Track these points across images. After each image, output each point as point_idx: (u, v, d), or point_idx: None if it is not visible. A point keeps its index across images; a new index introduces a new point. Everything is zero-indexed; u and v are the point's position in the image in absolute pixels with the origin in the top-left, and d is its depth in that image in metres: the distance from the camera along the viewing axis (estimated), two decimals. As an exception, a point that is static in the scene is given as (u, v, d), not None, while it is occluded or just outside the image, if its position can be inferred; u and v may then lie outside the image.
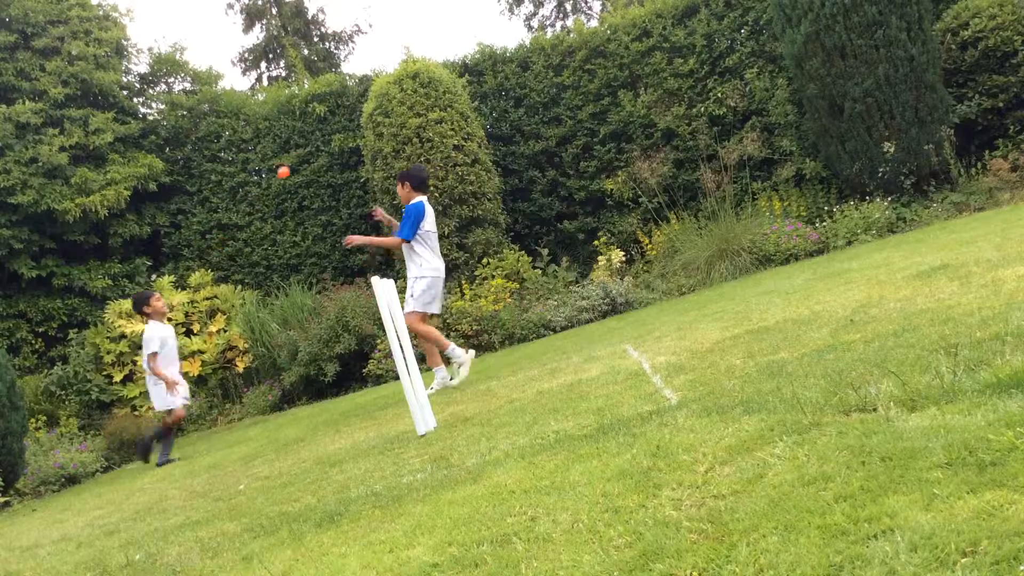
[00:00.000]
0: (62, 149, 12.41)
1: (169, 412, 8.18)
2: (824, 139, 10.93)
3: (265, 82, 27.20)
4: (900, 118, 10.13)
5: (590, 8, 29.72)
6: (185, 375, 12.04)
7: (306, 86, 14.38)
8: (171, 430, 8.27)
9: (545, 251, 12.17)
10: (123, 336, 11.98)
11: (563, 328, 10.34)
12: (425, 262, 7.03)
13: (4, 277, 12.53)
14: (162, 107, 14.52)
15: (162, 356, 8.09)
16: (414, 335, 6.93)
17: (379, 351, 10.39)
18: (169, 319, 8.33)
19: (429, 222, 7.07)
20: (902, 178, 10.29)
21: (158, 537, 4.16)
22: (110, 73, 13.20)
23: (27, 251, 12.31)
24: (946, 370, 2.78)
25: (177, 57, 14.61)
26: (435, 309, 7.16)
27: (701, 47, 12.42)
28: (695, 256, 10.79)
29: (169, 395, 8.10)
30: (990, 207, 9.65)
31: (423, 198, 7.10)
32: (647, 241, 12.07)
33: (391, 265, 13.01)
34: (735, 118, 12.27)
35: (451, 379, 7.12)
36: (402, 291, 7.73)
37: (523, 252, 12.07)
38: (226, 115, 14.03)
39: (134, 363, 11.99)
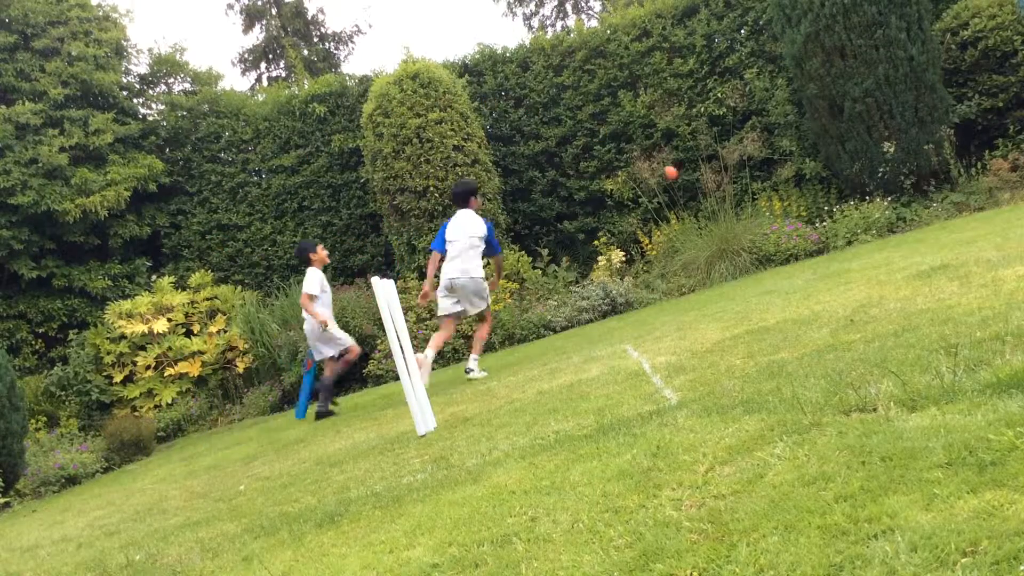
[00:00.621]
0: (62, 150, 12.41)
1: (332, 358, 8.18)
2: (824, 139, 10.93)
3: (265, 82, 27.20)
4: (900, 118, 10.13)
5: (590, 8, 29.75)
6: (185, 375, 12.08)
7: (306, 86, 14.40)
8: (336, 374, 8.30)
9: (545, 251, 12.17)
10: (123, 337, 11.98)
11: (563, 328, 10.34)
12: (443, 267, 7.46)
13: (4, 278, 12.53)
14: (162, 108, 14.53)
15: (321, 301, 8.13)
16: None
17: (379, 351, 10.39)
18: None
19: (452, 232, 7.48)
20: (902, 178, 10.29)
21: (158, 538, 4.16)
22: (110, 74, 13.20)
23: (27, 252, 12.31)
24: (946, 370, 2.77)
25: (177, 58, 14.61)
26: (442, 311, 7.52)
27: (701, 47, 12.42)
28: (695, 256, 10.79)
29: (328, 340, 8.08)
30: (990, 207, 9.65)
31: (461, 210, 7.59)
32: (647, 241, 12.07)
33: (391, 265, 13.01)
34: (735, 118, 12.27)
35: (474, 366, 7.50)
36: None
37: (523, 252, 12.07)
38: (226, 116, 14.03)
39: (134, 364, 11.99)
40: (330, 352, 8.16)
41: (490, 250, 7.61)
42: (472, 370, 7.39)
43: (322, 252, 8.42)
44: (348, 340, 8.25)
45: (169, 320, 12.18)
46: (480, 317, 7.68)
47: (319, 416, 7.86)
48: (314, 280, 8.07)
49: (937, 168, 10.35)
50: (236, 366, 12.22)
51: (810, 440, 2.50)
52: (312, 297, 7.98)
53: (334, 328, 8.15)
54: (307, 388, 8.48)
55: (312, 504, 3.85)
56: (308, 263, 8.31)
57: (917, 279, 5.12)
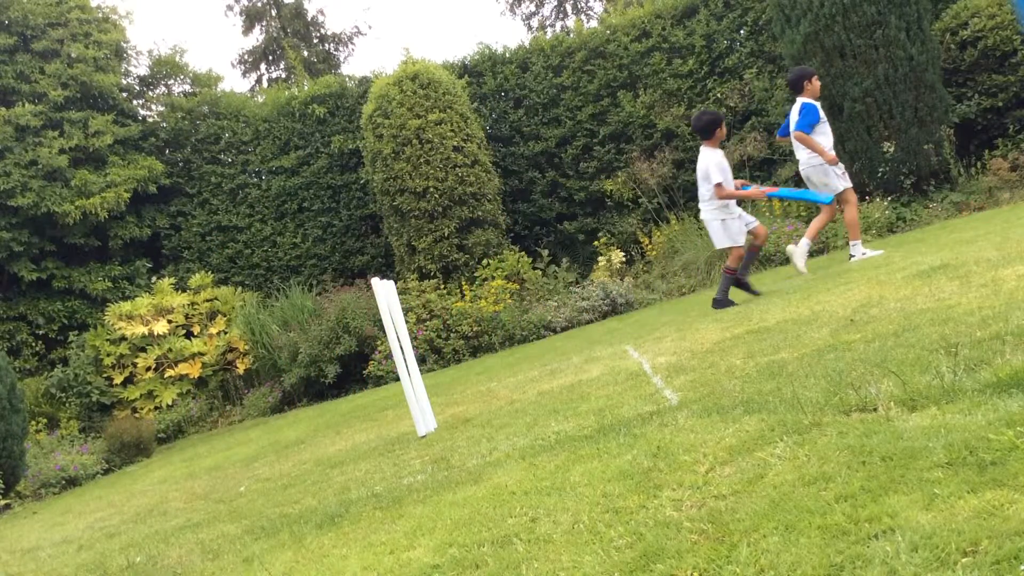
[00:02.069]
0: (62, 151, 12.41)
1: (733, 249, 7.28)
2: (824, 139, 10.92)
3: (265, 84, 27.20)
4: (900, 118, 10.13)
5: (590, 8, 29.76)
6: (185, 377, 12.08)
7: (306, 88, 14.40)
8: (754, 255, 7.52)
9: (545, 252, 12.17)
10: (123, 338, 11.98)
11: (563, 329, 10.34)
12: None
13: (4, 279, 12.54)
14: (162, 109, 14.53)
15: (726, 182, 7.10)
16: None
17: (379, 352, 10.39)
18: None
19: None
20: (902, 178, 10.28)
21: (159, 539, 4.16)
22: (110, 75, 13.21)
23: (27, 253, 12.31)
24: (946, 370, 2.77)
25: (177, 59, 14.61)
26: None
27: (700, 47, 12.42)
28: (695, 256, 10.79)
29: (733, 230, 7.20)
30: (990, 206, 9.65)
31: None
32: (647, 241, 12.07)
33: (391, 266, 13.01)
34: (735, 118, 12.26)
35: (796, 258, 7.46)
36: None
37: (523, 253, 12.08)
38: (226, 117, 14.03)
39: (134, 365, 11.99)
40: (722, 243, 7.28)
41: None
42: (853, 256, 7.40)
43: (816, 83, 7.61)
44: (748, 228, 7.28)
45: (169, 321, 12.18)
46: (838, 199, 7.49)
47: (716, 304, 7.02)
48: (718, 165, 7.08)
49: (937, 168, 10.35)
50: (236, 367, 12.23)
51: (810, 440, 2.50)
52: (719, 185, 7.02)
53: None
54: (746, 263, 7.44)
55: (313, 505, 3.85)
56: (801, 91, 7.54)
57: (917, 279, 5.12)
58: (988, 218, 8.40)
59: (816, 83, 7.57)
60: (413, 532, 2.81)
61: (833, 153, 7.48)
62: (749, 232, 7.32)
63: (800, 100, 7.53)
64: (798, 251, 7.53)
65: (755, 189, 7.45)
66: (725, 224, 7.18)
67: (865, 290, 5.31)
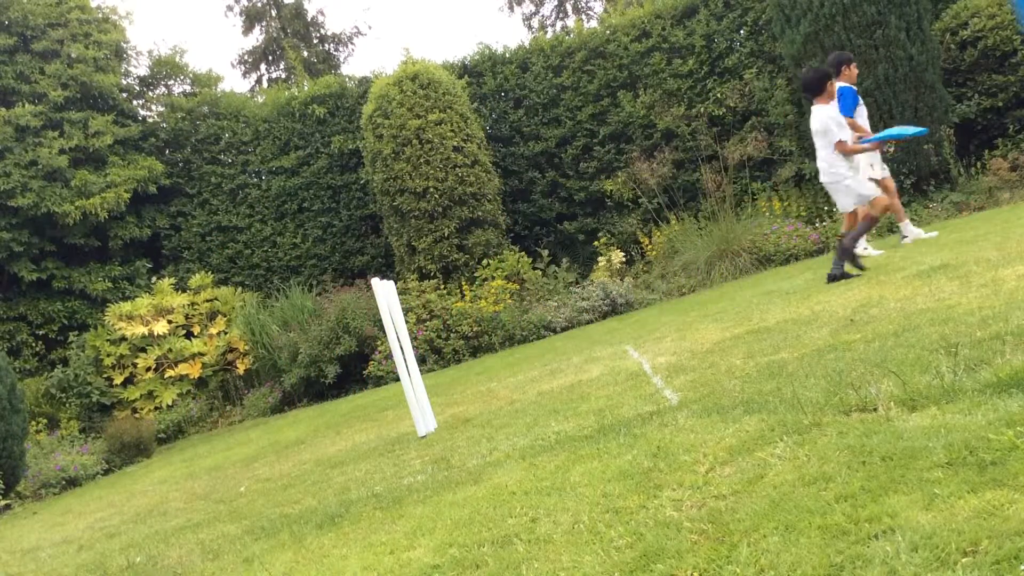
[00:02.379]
0: (62, 152, 12.41)
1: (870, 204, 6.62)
2: (824, 139, 10.93)
3: (265, 84, 27.18)
4: (900, 118, 10.12)
5: (590, 8, 29.75)
6: (185, 377, 12.07)
7: (306, 88, 14.40)
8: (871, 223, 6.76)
9: (545, 252, 12.17)
10: (123, 339, 11.98)
11: (563, 329, 10.34)
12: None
13: (4, 280, 12.54)
14: (162, 109, 14.53)
15: (846, 137, 6.68)
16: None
17: (379, 352, 10.39)
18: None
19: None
20: (902, 178, 10.28)
21: (159, 539, 4.16)
22: (109, 76, 13.21)
23: (27, 254, 12.31)
24: (946, 370, 2.77)
25: (177, 59, 14.61)
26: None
27: (700, 47, 12.42)
28: (695, 257, 10.79)
29: (860, 188, 6.65)
30: (990, 206, 9.65)
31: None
32: (647, 242, 12.07)
33: (391, 267, 13.01)
34: (735, 118, 12.27)
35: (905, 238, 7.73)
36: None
37: (523, 253, 12.07)
38: (226, 117, 14.03)
39: (134, 365, 11.99)
40: (853, 203, 6.71)
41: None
42: (906, 236, 7.58)
43: (854, 69, 7.51)
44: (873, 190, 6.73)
45: (169, 322, 12.18)
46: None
47: (830, 279, 6.31)
48: (833, 120, 6.65)
49: (937, 168, 10.35)
50: (236, 367, 12.23)
51: (810, 440, 2.50)
52: (842, 142, 6.57)
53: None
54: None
55: (313, 505, 3.85)
56: (838, 76, 7.37)
57: (917, 279, 5.12)
58: (988, 218, 8.40)
59: (854, 69, 7.63)
60: (413, 532, 2.81)
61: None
62: None
63: (836, 84, 7.51)
64: (910, 232, 7.80)
65: (870, 145, 7.13)
66: (857, 181, 6.65)
67: (865, 290, 5.31)
